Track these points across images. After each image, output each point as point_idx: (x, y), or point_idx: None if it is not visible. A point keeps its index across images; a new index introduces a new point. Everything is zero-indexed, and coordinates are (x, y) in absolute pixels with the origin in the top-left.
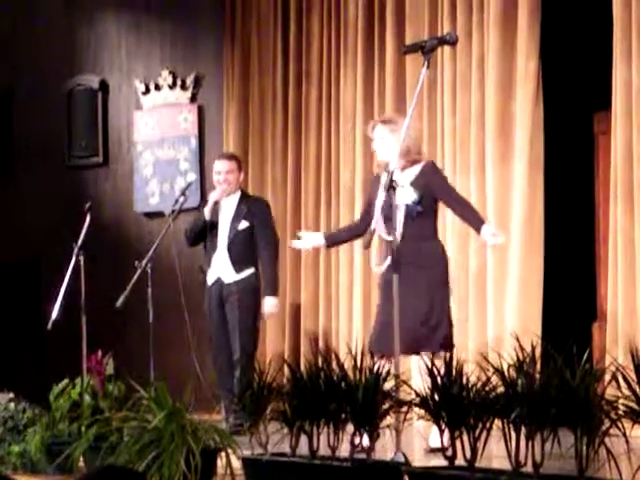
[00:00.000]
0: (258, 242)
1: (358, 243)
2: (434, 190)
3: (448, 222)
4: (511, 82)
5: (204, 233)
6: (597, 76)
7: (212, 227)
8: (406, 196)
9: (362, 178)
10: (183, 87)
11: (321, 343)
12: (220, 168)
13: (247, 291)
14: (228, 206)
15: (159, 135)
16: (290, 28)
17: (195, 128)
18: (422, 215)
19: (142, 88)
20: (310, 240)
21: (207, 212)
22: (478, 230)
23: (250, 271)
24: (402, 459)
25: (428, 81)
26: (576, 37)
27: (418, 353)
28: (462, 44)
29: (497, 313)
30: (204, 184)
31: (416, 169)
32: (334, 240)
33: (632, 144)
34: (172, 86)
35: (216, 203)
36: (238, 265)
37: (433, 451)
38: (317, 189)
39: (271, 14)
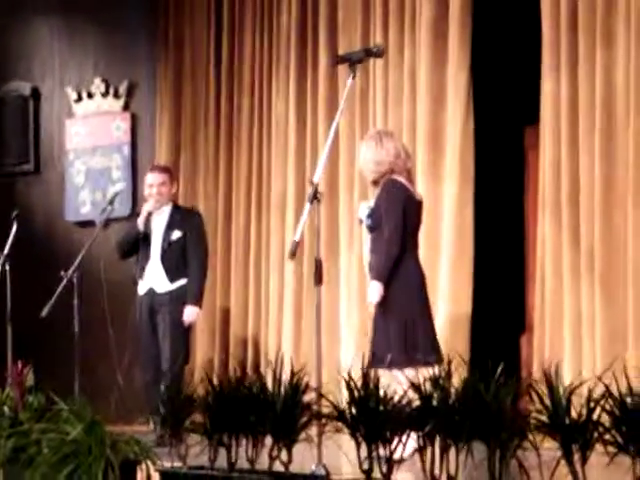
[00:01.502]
0: (188, 252)
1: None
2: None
3: None
4: (442, 95)
5: (137, 245)
6: (528, 90)
7: (145, 238)
8: (362, 210)
9: (294, 189)
10: (116, 95)
11: (250, 351)
12: (152, 181)
13: (179, 302)
14: (160, 217)
15: (91, 143)
16: (223, 37)
17: (128, 137)
18: (375, 230)
19: (74, 96)
20: None
21: (141, 224)
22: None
23: (183, 281)
24: (323, 472)
25: (360, 93)
26: (507, 50)
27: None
28: (394, 56)
29: None
30: (136, 193)
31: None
32: None
33: (560, 158)
34: (105, 94)
35: (149, 214)
36: (171, 275)
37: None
38: (248, 200)
39: (204, 23)
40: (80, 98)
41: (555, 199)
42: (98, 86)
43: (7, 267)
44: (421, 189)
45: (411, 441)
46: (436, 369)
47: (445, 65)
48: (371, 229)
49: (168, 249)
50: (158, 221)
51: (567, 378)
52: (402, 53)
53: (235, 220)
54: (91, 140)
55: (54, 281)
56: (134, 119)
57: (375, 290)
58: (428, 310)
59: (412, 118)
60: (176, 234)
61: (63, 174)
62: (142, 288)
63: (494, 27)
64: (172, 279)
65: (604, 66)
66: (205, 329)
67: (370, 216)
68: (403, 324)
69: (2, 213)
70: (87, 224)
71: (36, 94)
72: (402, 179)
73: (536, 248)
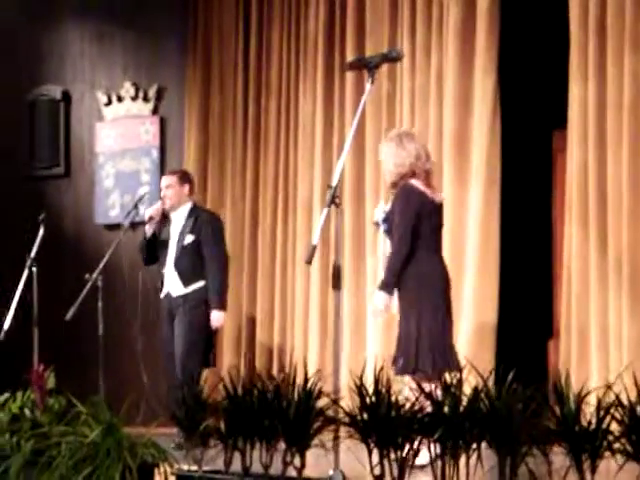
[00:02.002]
0: (205, 256)
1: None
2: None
3: None
4: (469, 99)
5: (152, 250)
6: (556, 93)
7: (165, 242)
8: (378, 214)
9: (320, 192)
10: (145, 99)
11: (275, 355)
12: (161, 184)
13: (193, 306)
14: (177, 221)
15: (121, 147)
16: (251, 41)
17: (156, 140)
18: (391, 234)
19: (104, 99)
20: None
21: (147, 228)
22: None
23: (198, 285)
24: (340, 478)
25: (387, 96)
26: (534, 53)
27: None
28: (421, 59)
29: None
30: None
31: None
32: None
33: (587, 162)
34: (134, 98)
35: (166, 217)
36: (185, 279)
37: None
38: (275, 203)
39: (232, 27)
40: (110, 102)
41: (583, 203)
42: (128, 90)
43: (34, 270)
44: (447, 192)
45: (425, 450)
46: (452, 375)
47: (472, 68)
48: (387, 233)
49: (181, 254)
50: (175, 225)
51: (593, 384)
52: (429, 56)
53: (262, 223)
54: (120, 143)
55: (83, 284)
56: (163, 122)
57: (380, 300)
58: (450, 314)
59: (439, 121)
60: (189, 238)
61: (93, 177)
62: (163, 292)
63: (521, 30)
64: (186, 283)
65: (632, 70)
66: (231, 333)
67: (386, 220)
68: (427, 330)
69: (33, 216)
70: (116, 227)
71: (67, 98)
72: (419, 183)
73: (563, 252)
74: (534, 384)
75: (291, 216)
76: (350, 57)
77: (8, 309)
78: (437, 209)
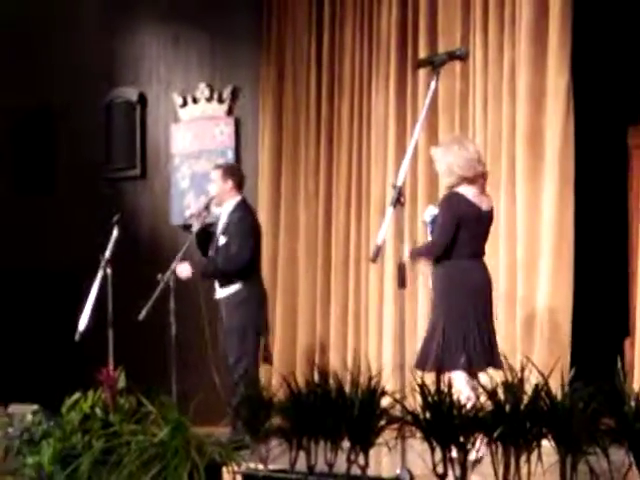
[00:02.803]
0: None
1: (390, 257)
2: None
3: None
4: (542, 97)
5: (206, 244)
6: (630, 89)
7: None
8: (428, 213)
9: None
10: (220, 100)
11: (350, 353)
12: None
13: (234, 309)
14: (222, 217)
15: (196, 148)
16: (324, 41)
17: (231, 141)
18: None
19: (180, 101)
20: None
21: (193, 225)
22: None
23: (236, 287)
24: (407, 477)
25: (460, 95)
26: (608, 49)
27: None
28: (493, 57)
29: (526, 330)
30: None
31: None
32: None
33: None
34: (209, 99)
35: (208, 212)
36: (222, 281)
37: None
38: (348, 202)
39: (305, 27)
40: (185, 103)
41: None
42: (203, 91)
43: (109, 271)
44: (520, 191)
45: (485, 448)
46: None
47: (545, 66)
48: (432, 233)
49: (216, 254)
50: (220, 223)
51: None
52: (502, 54)
53: (335, 221)
54: (196, 144)
55: (158, 285)
56: (237, 123)
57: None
58: (491, 315)
59: (511, 120)
60: (222, 240)
61: (169, 179)
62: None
63: (595, 25)
64: (222, 285)
65: None
66: (306, 331)
67: (433, 222)
68: (466, 329)
69: (110, 218)
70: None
71: (143, 100)
72: (471, 190)
73: (639, 250)
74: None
75: (364, 214)
76: (423, 54)
77: (83, 310)
78: (483, 217)
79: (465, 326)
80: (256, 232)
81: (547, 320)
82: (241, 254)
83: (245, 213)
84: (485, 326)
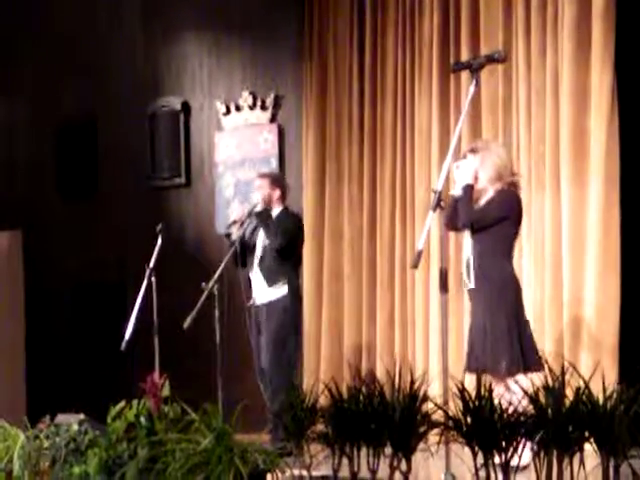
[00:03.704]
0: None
1: (434, 262)
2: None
3: (524, 242)
4: (586, 97)
5: (244, 254)
6: None
7: (253, 247)
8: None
9: None
10: (263, 108)
11: (398, 359)
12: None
13: (276, 315)
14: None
15: (240, 156)
16: (366, 47)
17: (275, 148)
18: (478, 232)
19: (223, 109)
20: None
21: (233, 232)
22: None
23: (281, 290)
24: None
25: (503, 98)
26: None
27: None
28: (536, 60)
29: (574, 333)
30: None
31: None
32: None
33: None
34: (252, 107)
35: (234, 222)
36: (269, 277)
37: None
38: (392, 208)
39: (347, 33)
40: (228, 111)
41: None
42: (246, 99)
43: (153, 280)
44: (565, 191)
45: (528, 452)
46: (544, 377)
47: (588, 67)
48: (477, 231)
49: (264, 253)
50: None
51: None
52: (544, 55)
53: (380, 227)
54: (240, 153)
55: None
56: (281, 131)
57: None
58: (517, 316)
59: (555, 121)
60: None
61: (213, 187)
62: (251, 300)
63: (638, 24)
64: (270, 282)
65: None
66: (353, 338)
67: (465, 192)
68: (506, 330)
69: (156, 227)
70: None
71: (186, 108)
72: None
73: None
74: None
75: (409, 220)
76: (465, 58)
77: (129, 320)
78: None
79: (514, 327)
80: (302, 232)
81: (594, 322)
82: (286, 244)
83: (292, 217)
84: (528, 329)
